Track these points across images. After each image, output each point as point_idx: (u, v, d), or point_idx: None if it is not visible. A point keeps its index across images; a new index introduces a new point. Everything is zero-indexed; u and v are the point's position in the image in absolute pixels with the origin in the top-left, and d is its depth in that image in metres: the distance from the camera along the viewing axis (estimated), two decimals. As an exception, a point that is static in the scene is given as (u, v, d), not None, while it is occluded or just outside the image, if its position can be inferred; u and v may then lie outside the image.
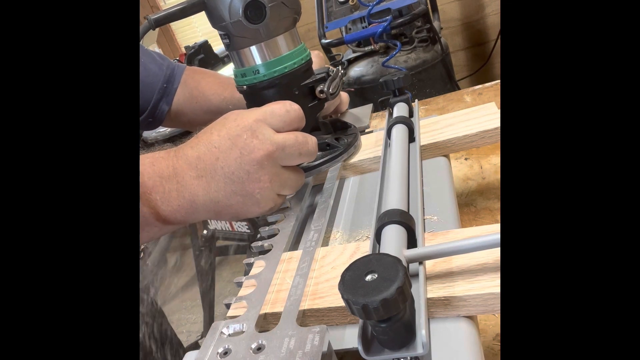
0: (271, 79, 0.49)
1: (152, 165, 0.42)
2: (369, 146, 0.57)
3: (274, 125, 0.43)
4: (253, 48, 0.48)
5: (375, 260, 0.28)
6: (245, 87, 0.51)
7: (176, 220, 0.43)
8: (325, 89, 0.51)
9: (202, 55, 2.03)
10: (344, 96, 0.69)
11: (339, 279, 0.28)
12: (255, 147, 0.41)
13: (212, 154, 0.41)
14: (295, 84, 0.50)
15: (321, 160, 0.52)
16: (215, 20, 0.48)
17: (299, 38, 0.51)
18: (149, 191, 0.41)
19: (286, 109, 0.44)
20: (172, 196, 0.41)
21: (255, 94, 0.51)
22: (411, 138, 0.53)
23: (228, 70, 2.00)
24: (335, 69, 0.54)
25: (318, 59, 0.63)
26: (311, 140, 0.45)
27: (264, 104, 0.45)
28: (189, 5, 0.48)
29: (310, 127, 0.54)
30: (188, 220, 0.43)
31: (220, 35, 0.49)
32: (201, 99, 0.78)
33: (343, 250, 0.40)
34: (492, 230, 0.32)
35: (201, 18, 0.55)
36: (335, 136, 0.57)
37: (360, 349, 0.28)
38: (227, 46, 0.49)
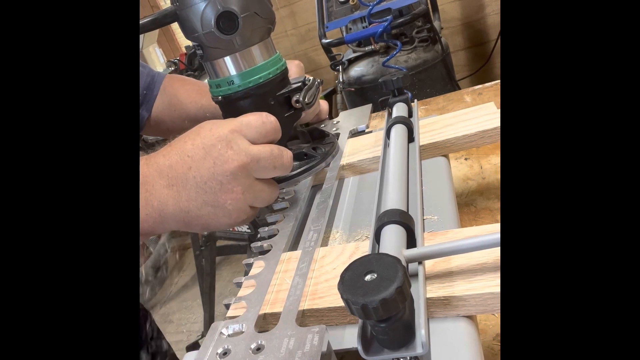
0: (246, 89, 0.48)
1: None
2: (369, 146, 0.57)
3: (250, 136, 0.43)
4: (227, 59, 0.47)
5: (374, 260, 0.28)
6: (220, 97, 0.50)
7: (143, 231, 0.41)
8: (301, 98, 0.51)
9: (202, 56, 2.02)
10: (324, 104, 0.69)
11: (338, 279, 0.28)
12: (229, 157, 0.40)
13: (184, 163, 0.41)
14: (271, 94, 0.50)
15: (298, 171, 0.51)
16: (188, 32, 0.47)
17: (273, 48, 0.51)
18: None
19: (262, 121, 0.43)
20: (140, 205, 0.40)
21: (231, 105, 0.50)
22: (410, 138, 0.53)
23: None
24: (311, 78, 0.54)
25: (298, 69, 0.62)
26: (286, 153, 0.45)
27: (239, 114, 0.44)
28: (160, 17, 0.47)
29: (288, 136, 0.53)
30: (155, 231, 0.42)
31: (194, 46, 0.48)
32: (179, 106, 0.77)
33: (342, 250, 0.40)
34: (491, 230, 0.32)
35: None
36: (312, 145, 0.56)
37: (359, 349, 0.28)
38: (201, 57, 0.49)
